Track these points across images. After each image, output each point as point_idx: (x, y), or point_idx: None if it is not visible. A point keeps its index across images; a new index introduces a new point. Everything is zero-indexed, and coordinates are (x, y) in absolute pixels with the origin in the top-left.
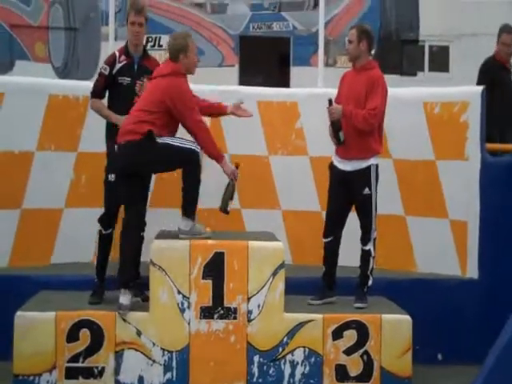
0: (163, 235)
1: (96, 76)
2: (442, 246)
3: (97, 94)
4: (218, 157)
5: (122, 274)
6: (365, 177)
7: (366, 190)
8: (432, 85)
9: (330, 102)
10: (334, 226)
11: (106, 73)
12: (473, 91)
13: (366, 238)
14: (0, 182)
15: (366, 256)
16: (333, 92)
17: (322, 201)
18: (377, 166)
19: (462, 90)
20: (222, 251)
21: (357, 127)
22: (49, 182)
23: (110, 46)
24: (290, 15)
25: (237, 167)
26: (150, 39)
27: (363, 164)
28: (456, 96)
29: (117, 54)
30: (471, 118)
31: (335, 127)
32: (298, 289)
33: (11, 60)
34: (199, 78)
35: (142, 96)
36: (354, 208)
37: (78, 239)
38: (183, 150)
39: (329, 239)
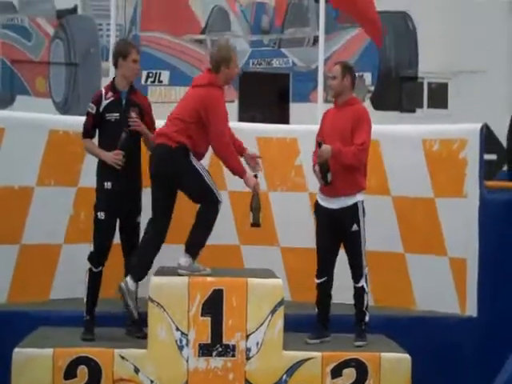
0: (162, 272)
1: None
2: (441, 283)
3: (87, 133)
4: (240, 171)
5: (137, 269)
6: (352, 213)
7: (355, 227)
8: (431, 121)
9: (320, 144)
10: (326, 266)
11: (93, 111)
12: (471, 128)
13: (357, 275)
14: (0, 218)
15: (359, 293)
16: None
17: None
18: (363, 201)
19: (461, 128)
20: (221, 288)
21: (346, 164)
22: (48, 218)
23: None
24: (289, 51)
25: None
26: (151, 74)
27: (350, 201)
28: (455, 133)
29: (103, 91)
30: (470, 155)
31: (324, 168)
32: (297, 326)
33: (12, 95)
34: None
35: (178, 103)
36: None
37: (76, 275)
38: (210, 189)
39: (322, 279)
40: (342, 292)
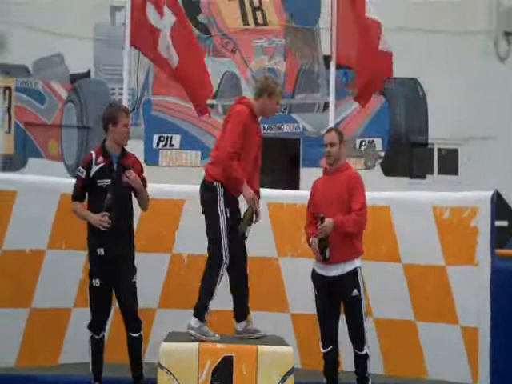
0: (172, 337)
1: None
2: (452, 352)
3: (76, 197)
4: (239, 181)
5: (198, 300)
6: (352, 279)
7: (355, 292)
8: (441, 187)
9: (323, 219)
10: (331, 334)
11: (83, 176)
12: (482, 196)
13: (360, 342)
14: (10, 281)
15: (363, 360)
16: None
17: None
18: (360, 267)
19: (472, 195)
20: (231, 355)
21: (348, 232)
22: (58, 281)
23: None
24: (300, 117)
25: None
26: (162, 138)
27: (349, 267)
28: (465, 201)
29: (93, 155)
30: (481, 224)
31: (323, 244)
32: None
33: (24, 157)
34: None
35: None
36: None
37: (85, 339)
38: (220, 243)
39: (328, 349)
40: (350, 360)
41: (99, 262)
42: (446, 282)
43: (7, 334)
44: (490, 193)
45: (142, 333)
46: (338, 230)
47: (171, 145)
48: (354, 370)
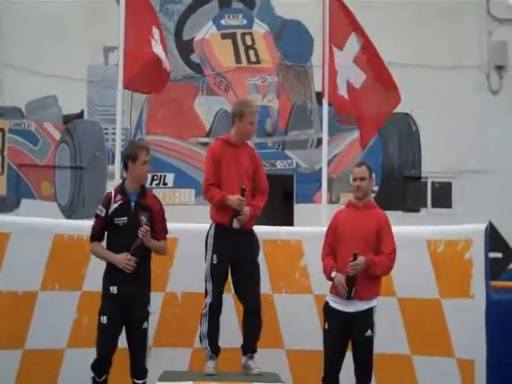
0: (166, 377)
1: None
2: None
3: (96, 236)
4: (222, 199)
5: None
6: (368, 318)
7: (369, 332)
8: (435, 221)
9: (355, 256)
10: (335, 370)
11: (103, 214)
12: (476, 229)
13: (367, 381)
14: (3, 322)
15: None
16: None
17: None
18: (376, 307)
19: (465, 228)
20: None
21: (377, 274)
22: (51, 322)
23: (116, 185)
24: (293, 153)
25: (242, 193)
26: (156, 177)
27: (366, 305)
28: (459, 234)
29: (112, 193)
30: (475, 256)
31: (351, 282)
32: None
33: (17, 199)
34: (206, 211)
35: None
36: None
37: (79, 381)
38: (206, 282)
39: None
40: None
41: (110, 300)
42: (442, 315)
43: (0, 375)
44: (484, 225)
45: (146, 380)
46: (368, 270)
47: (165, 183)
48: None
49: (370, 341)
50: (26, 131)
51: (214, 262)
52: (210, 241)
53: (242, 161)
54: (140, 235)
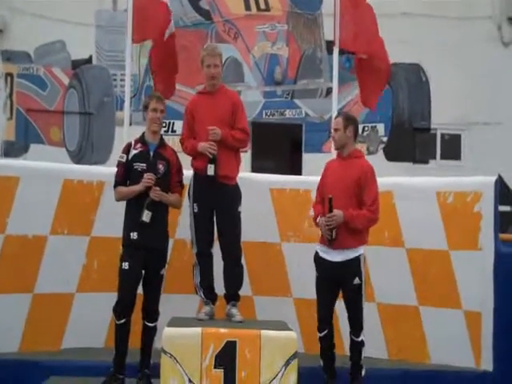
0: (175, 323)
1: (104, 162)
2: (455, 337)
3: (119, 183)
4: (193, 149)
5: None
6: (355, 267)
7: (357, 280)
8: (444, 172)
9: (331, 200)
10: (327, 318)
11: (124, 160)
12: (486, 181)
13: (357, 329)
14: (13, 266)
15: (358, 347)
16: None
17: None
18: (363, 255)
19: (475, 180)
20: (234, 340)
21: (359, 229)
22: (61, 267)
23: (125, 131)
24: (302, 102)
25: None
26: (164, 124)
27: (353, 254)
28: (469, 186)
29: (132, 142)
30: (484, 209)
31: (328, 237)
32: (311, 379)
33: (26, 144)
34: None
35: None
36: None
37: (89, 324)
38: (192, 235)
39: (324, 332)
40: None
41: (131, 246)
42: (450, 266)
43: (10, 319)
44: (494, 178)
45: (157, 323)
46: (348, 224)
47: (173, 131)
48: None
49: (358, 288)
50: (35, 76)
51: (195, 211)
52: (191, 190)
53: (216, 108)
54: (152, 195)
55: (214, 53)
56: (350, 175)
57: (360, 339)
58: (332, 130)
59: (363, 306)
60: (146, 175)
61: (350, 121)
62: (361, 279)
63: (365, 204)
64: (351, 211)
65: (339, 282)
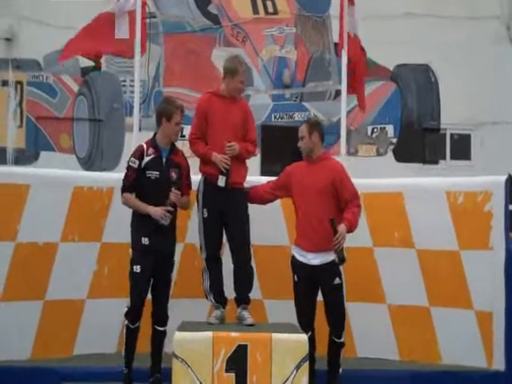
0: (185, 327)
1: (116, 169)
2: (467, 337)
3: (128, 187)
4: (207, 155)
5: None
6: (334, 268)
7: (337, 280)
8: (454, 173)
9: (333, 221)
10: (310, 321)
11: (135, 166)
12: (496, 181)
13: (339, 329)
14: (24, 274)
15: (339, 347)
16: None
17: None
18: None
19: (485, 180)
20: (246, 344)
21: (356, 227)
22: (72, 273)
23: (134, 137)
24: (311, 105)
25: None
26: None
27: (330, 256)
28: (479, 186)
29: (144, 146)
30: (495, 208)
31: (340, 257)
32: (322, 381)
33: (36, 151)
34: None
35: None
36: None
37: (100, 330)
38: (201, 241)
39: (308, 335)
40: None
41: (142, 250)
42: (460, 266)
43: (22, 326)
44: (504, 177)
45: (166, 328)
46: (350, 231)
47: (182, 136)
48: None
49: (339, 289)
50: (45, 84)
51: (205, 216)
52: (200, 196)
53: (230, 115)
54: (172, 197)
55: (244, 69)
56: (323, 178)
57: (342, 340)
58: (299, 139)
59: (345, 307)
60: (171, 194)
61: (313, 127)
62: (341, 279)
63: (346, 200)
64: (347, 218)
65: (319, 284)
